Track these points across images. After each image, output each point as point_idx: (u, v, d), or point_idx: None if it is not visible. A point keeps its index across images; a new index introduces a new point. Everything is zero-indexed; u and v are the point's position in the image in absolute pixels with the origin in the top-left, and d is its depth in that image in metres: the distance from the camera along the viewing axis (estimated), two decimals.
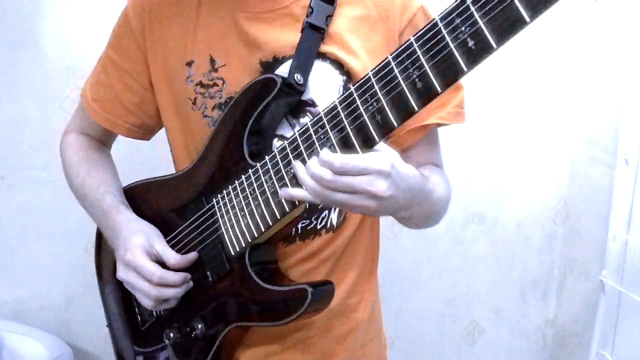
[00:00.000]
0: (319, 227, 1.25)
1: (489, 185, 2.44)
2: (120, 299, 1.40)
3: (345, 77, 1.20)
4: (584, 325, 2.38)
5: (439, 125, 1.26)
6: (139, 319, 1.36)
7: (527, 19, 0.77)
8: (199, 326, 1.22)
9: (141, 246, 1.20)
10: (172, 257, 1.20)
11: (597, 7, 2.27)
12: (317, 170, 0.95)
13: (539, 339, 2.61)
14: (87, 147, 1.43)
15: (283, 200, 1.06)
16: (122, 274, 1.21)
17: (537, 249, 2.53)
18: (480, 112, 2.28)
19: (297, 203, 1.05)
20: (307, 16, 1.18)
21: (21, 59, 2.11)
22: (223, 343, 1.22)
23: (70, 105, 2.05)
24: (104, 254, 1.44)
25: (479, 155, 2.38)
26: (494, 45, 0.80)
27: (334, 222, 1.26)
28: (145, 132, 1.41)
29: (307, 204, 1.20)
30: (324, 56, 1.20)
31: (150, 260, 1.19)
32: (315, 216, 1.24)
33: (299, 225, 1.24)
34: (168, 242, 1.26)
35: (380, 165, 0.94)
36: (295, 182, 1.03)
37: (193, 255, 1.23)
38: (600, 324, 2.24)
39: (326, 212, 1.25)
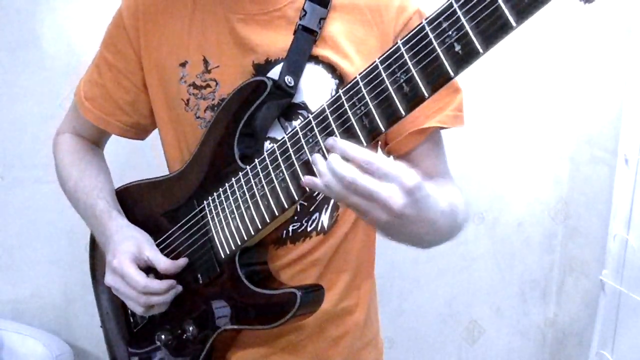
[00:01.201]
0: (309, 229, 1.25)
1: (489, 185, 2.43)
2: (113, 301, 1.40)
3: (337, 81, 1.19)
4: (584, 324, 2.37)
5: (440, 129, 1.24)
6: (132, 320, 1.36)
7: (514, 23, 0.75)
8: (190, 328, 1.22)
9: (129, 253, 1.20)
10: (162, 262, 1.20)
11: (596, 7, 2.26)
12: (340, 169, 0.88)
13: (539, 339, 2.61)
14: (80, 149, 1.43)
15: (272, 204, 1.05)
16: (109, 280, 1.21)
17: (537, 248, 2.53)
18: (480, 112, 2.27)
19: (286, 207, 1.04)
20: (300, 19, 1.18)
21: (21, 59, 2.11)
22: (214, 345, 1.22)
23: (70, 105, 2.05)
24: (98, 255, 1.44)
25: (479, 155, 2.38)
26: (480, 50, 0.79)
27: (325, 225, 1.26)
28: (138, 131, 1.41)
29: (298, 207, 1.20)
30: (316, 59, 1.19)
31: (136, 269, 1.18)
32: (306, 218, 1.24)
33: (290, 228, 1.24)
34: (159, 244, 1.27)
35: (405, 179, 0.87)
36: (284, 186, 1.02)
37: (183, 261, 1.22)
38: (600, 323, 2.24)
39: (317, 214, 1.24)
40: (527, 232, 2.51)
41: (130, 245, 1.21)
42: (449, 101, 1.21)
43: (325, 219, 1.25)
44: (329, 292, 1.24)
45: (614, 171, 2.18)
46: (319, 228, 1.25)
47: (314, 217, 1.24)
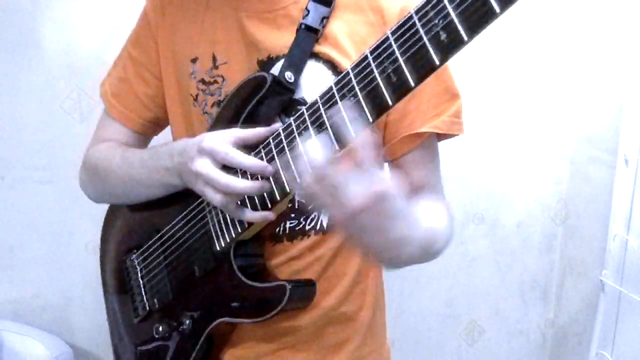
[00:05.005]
0: (307, 228, 1.24)
1: (488, 185, 2.43)
2: (118, 292, 1.42)
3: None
4: (584, 325, 2.37)
5: (437, 136, 1.23)
6: (133, 313, 1.37)
7: (497, 9, 0.75)
8: (187, 321, 1.23)
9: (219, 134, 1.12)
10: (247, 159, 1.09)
11: (596, 6, 2.27)
12: (313, 154, 0.84)
13: (538, 339, 2.60)
14: (114, 145, 1.39)
15: (266, 196, 1.06)
16: (197, 164, 1.09)
17: (537, 249, 2.52)
18: (480, 112, 2.27)
19: (277, 199, 1.04)
20: (303, 17, 1.19)
21: (21, 59, 2.12)
22: (209, 339, 1.22)
23: (70, 105, 2.05)
24: (109, 237, 1.45)
25: (479, 155, 2.37)
26: (465, 38, 0.79)
27: (324, 224, 1.24)
28: (156, 128, 1.43)
29: (296, 204, 1.21)
30: (317, 56, 1.20)
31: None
32: (304, 217, 1.23)
33: (287, 225, 1.23)
34: (162, 235, 1.28)
35: (375, 183, 0.82)
36: (276, 178, 1.03)
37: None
38: (600, 324, 2.23)
39: (316, 213, 1.23)
40: (526, 233, 2.50)
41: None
42: (446, 108, 1.20)
43: (325, 218, 1.24)
44: (329, 295, 1.24)
45: (613, 171, 2.17)
46: (317, 227, 1.24)
47: (313, 216, 1.23)
